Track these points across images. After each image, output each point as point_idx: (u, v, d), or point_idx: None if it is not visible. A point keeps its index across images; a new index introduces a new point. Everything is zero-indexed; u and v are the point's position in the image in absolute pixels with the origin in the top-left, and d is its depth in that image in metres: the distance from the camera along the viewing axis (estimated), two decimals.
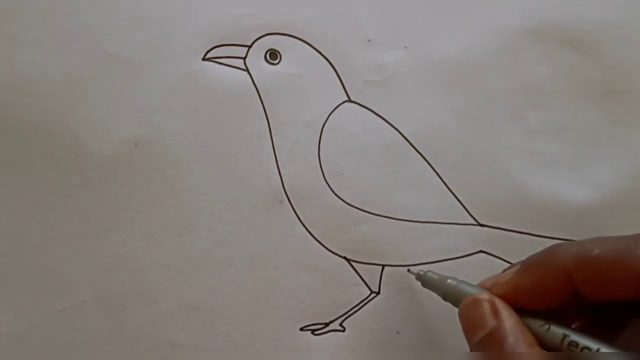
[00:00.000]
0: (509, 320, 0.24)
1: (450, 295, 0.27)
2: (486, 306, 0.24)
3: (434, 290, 0.28)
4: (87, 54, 0.31)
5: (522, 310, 0.24)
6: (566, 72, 0.32)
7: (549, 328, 0.24)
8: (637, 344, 0.24)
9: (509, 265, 0.31)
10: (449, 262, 0.31)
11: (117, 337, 0.30)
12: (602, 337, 0.23)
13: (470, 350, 0.25)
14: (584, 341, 0.23)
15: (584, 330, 0.24)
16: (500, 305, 0.24)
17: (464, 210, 0.31)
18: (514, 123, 0.32)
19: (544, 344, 0.23)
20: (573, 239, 0.31)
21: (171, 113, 0.31)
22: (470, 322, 0.25)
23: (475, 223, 0.31)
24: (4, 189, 0.30)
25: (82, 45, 0.31)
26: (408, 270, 0.30)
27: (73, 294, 0.30)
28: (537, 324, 0.24)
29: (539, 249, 0.31)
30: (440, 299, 0.27)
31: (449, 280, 0.27)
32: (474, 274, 0.31)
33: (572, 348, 0.23)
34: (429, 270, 0.29)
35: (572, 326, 0.25)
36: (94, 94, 0.31)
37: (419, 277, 0.29)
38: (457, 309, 0.26)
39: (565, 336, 0.23)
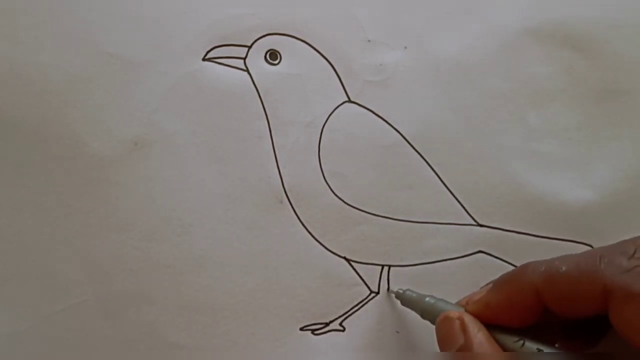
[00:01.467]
0: (477, 336, 0.24)
1: (428, 313, 0.28)
2: (456, 324, 0.25)
3: (412, 309, 0.29)
4: (87, 54, 0.31)
5: (496, 327, 0.25)
6: (566, 72, 0.32)
7: (523, 344, 0.24)
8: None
9: (510, 265, 0.32)
10: (448, 262, 0.31)
11: (117, 337, 0.30)
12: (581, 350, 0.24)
13: None
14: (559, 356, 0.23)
15: (563, 345, 0.24)
16: (470, 322, 0.25)
17: (463, 210, 0.31)
18: (514, 123, 0.32)
19: None
20: (573, 239, 0.31)
21: (171, 113, 0.31)
22: (443, 339, 0.26)
23: (474, 223, 0.31)
24: (4, 189, 0.30)
25: (82, 45, 0.31)
26: (388, 289, 0.31)
27: (73, 294, 0.30)
28: (511, 340, 0.24)
29: (539, 249, 0.32)
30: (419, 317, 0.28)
31: (427, 299, 0.28)
32: (473, 274, 0.31)
33: None
34: (407, 289, 0.29)
35: (556, 345, 0.25)
36: (94, 94, 0.31)
37: (398, 295, 0.30)
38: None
39: (539, 351, 0.24)
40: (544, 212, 0.31)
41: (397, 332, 0.31)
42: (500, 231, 0.31)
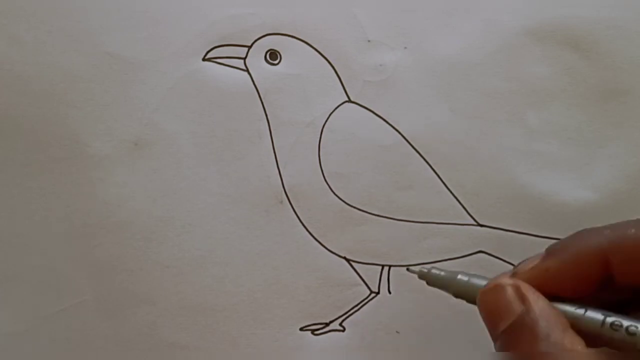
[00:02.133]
0: (537, 303, 0.21)
1: (464, 292, 0.24)
2: (510, 291, 0.22)
3: (442, 289, 0.25)
4: (87, 54, 0.31)
5: (552, 298, 0.22)
6: (566, 72, 0.32)
7: (585, 311, 0.22)
8: None
9: (510, 264, 0.31)
10: (448, 262, 0.31)
11: (117, 337, 0.30)
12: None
13: (495, 343, 0.22)
14: (627, 322, 0.21)
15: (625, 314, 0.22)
16: (527, 288, 0.22)
17: (463, 210, 0.31)
18: (514, 123, 0.32)
19: (581, 330, 0.21)
20: None
21: (171, 113, 0.31)
22: (492, 311, 0.22)
23: (474, 223, 0.31)
24: (4, 189, 0.30)
25: (82, 45, 0.31)
26: (407, 269, 0.28)
27: (73, 294, 0.30)
28: (572, 308, 0.22)
29: (539, 249, 0.31)
30: (448, 297, 0.25)
31: (459, 276, 0.25)
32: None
33: (616, 328, 0.21)
34: (433, 267, 0.26)
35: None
36: (94, 94, 0.31)
37: (422, 275, 0.26)
38: (462, 308, 0.24)
39: (605, 317, 0.21)
40: (544, 212, 0.31)
41: (397, 332, 0.31)
42: (500, 231, 0.31)
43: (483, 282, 0.24)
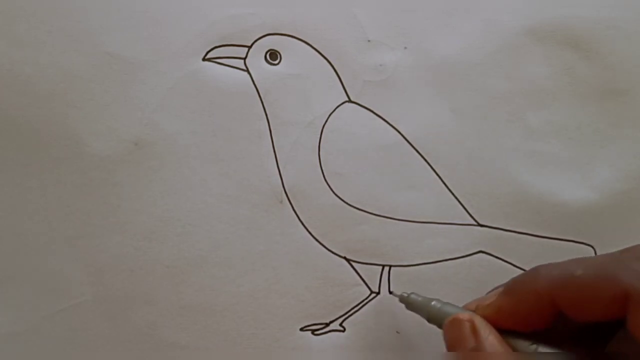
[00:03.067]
0: (488, 339, 0.24)
1: (434, 317, 0.27)
2: (467, 326, 0.25)
3: (418, 313, 0.28)
4: (87, 54, 0.31)
5: (508, 332, 0.24)
6: (566, 72, 0.32)
7: (537, 347, 0.24)
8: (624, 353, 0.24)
9: (510, 265, 0.32)
10: (448, 262, 0.31)
11: (117, 337, 0.30)
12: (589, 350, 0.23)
13: None
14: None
15: (573, 347, 0.24)
16: (481, 324, 0.24)
17: (463, 210, 0.31)
18: (514, 123, 0.32)
19: None
20: (573, 239, 0.31)
21: (171, 113, 0.31)
22: (451, 342, 0.25)
23: (474, 223, 0.31)
24: (4, 189, 0.30)
25: (82, 45, 0.31)
26: (390, 292, 0.31)
27: (73, 294, 0.30)
28: (525, 344, 0.24)
29: (539, 249, 0.32)
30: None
31: (433, 302, 0.27)
32: (473, 274, 0.31)
33: None
34: (412, 293, 0.29)
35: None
36: (94, 94, 0.31)
37: (402, 299, 0.29)
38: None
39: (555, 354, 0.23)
40: (544, 212, 0.31)
41: (398, 333, 0.31)
42: (500, 231, 0.31)
43: (453, 311, 0.26)
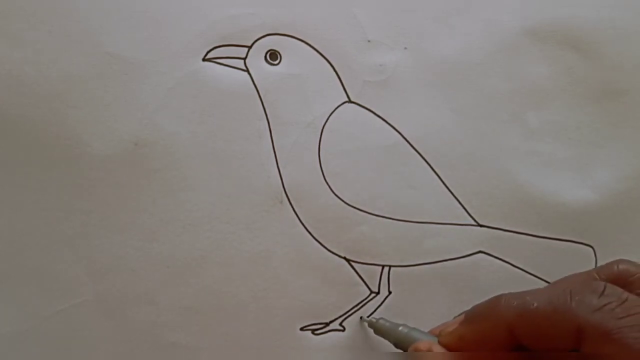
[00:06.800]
0: None
1: (401, 343, 0.28)
2: (426, 355, 0.26)
3: (385, 338, 0.29)
4: (87, 54, 0.31)
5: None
6: (566, 72, 0.32)
7: None
8: None
9: (510, 265, 0.32)
10: (448, 262, 0.31)
11: (117, 337, 0.30)
12: None
13: None
14: None
15: None
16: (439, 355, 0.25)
17: (463, 210, 0.31)
18: (514, 123, 0.32)
19: None
20: (572, 239, 0.32)
21: (171, 113, 0.31)
22: None
23: (474, 223, 0.31)
24: (4, 189, 0.30)
25: (82, 45, 0.31)
26: (360, 318, 0.31)
27: (73, 294, 0.30)
28: None
29: (538, 249, 0.32)
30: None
31: (400, 328, 0.28)
32: (473, 274, 0.31)
33: None
34: (381, 318, 0.29)
35: None
36: (94, 94, 0.31)
37: (371, 324, 0.30)
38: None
39: None
40: (544, 212, 0.31)
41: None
42: (500, 231, 0.31)
43: (418, 337, 0.27)
